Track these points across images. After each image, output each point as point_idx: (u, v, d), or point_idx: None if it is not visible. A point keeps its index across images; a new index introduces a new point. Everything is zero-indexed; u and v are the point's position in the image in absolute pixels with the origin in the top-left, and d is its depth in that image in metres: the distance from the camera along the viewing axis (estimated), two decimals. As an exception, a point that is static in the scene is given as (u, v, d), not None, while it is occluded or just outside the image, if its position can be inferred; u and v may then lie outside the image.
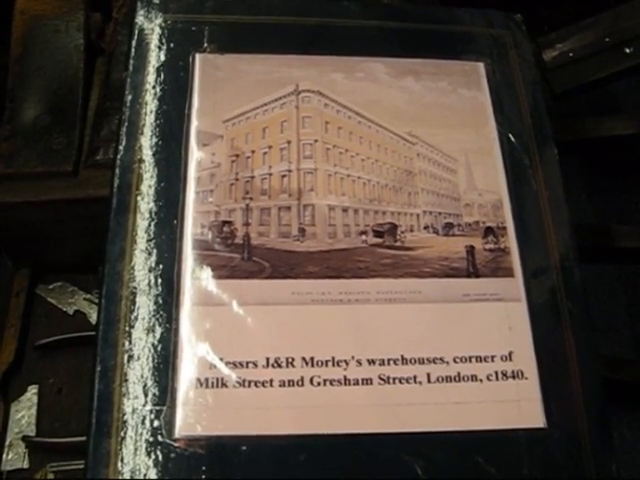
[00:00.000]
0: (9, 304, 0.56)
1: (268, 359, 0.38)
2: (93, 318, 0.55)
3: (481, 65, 0.50)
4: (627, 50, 0.81)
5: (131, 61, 0.47)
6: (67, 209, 0.52)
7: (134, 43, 0.47)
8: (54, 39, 0.58)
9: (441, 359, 0.40)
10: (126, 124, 0.44)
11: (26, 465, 0.50)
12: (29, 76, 0.56)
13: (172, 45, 0.47)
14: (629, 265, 1.03)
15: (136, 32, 0.48)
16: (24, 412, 0.51)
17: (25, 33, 0.58)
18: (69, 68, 0.57)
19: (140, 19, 0.49)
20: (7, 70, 0.57)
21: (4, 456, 0.50)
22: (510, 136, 0.47)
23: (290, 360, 0.38)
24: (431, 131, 0.47)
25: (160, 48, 0.47)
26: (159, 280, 0.40)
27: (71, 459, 0.50)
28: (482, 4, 0.55)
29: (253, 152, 0.44)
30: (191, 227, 0.42)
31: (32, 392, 0.52)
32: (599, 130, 0.87)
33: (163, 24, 0.48)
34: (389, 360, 0.39)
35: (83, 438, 0.48)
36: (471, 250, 0.43)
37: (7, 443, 0.50)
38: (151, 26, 0.48)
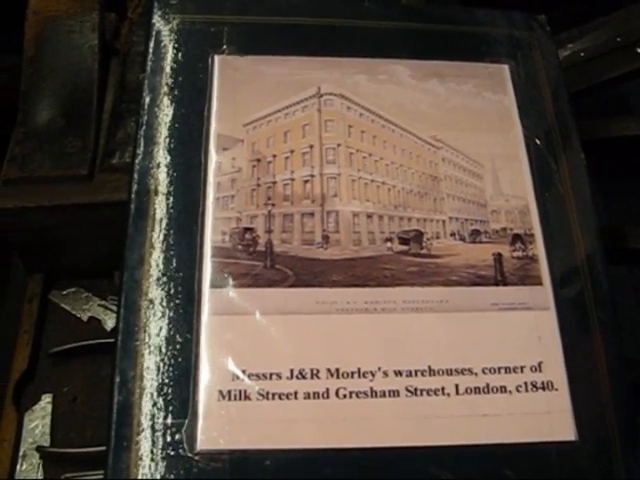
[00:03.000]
0: (22, 310, 0.55)
1: (292, 370, 0.38)
2: (108, 325, 0.55)
3: (506, 67, 0.49)
4: (639, 50, 0.80)
5: (148, 63, 0.46)
6: (82, 214, 0.51)
7: (151, 44, 0.47)
8: (68, 40, 0.58)
9: (469, 370, 0.39)
10: (144, 127, 0.44)
11: (40, 476, 0.49)
12: (43, 78, 0.56)
13: (190, 46, 0.47)
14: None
15: (153, 33, 0.47)
16: (38, 422, 0.51)
17: (38, 34, 0.57)
18: (83, 69, 0.56)
19: (157, 20, 0.48)
20: (20, 70, 0.57)
21: (18, 467, 0.49)
22: (536, 140, 0.47)
23: (315, 371, 0.38)
24: (456, 135, 0.47)
25: (178, 49, 0.47)
26: (179, 289, 0.39)
27: (87, 470, 0.49)
28: (496, 5, 0.55)
29: (275, 157, 0.44)
30: (211, 234, 0.41)
31: (46, 401, 0.51)
32: (611, 130, 0.88)
33: (181, 25, 0.48)
34: (416, 371, 0.39)
35: (99, 448, 0.48)
36: (499, 258, 0.43)
37: (21, 454, 0.49)
38: (168, 27, 0.48)
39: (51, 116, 0.54)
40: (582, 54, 0.82)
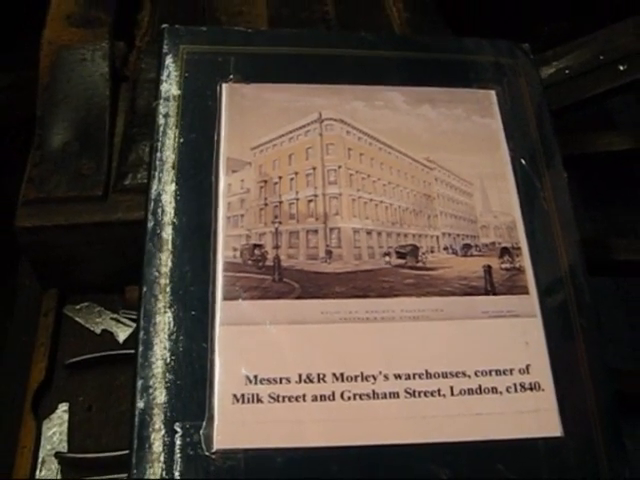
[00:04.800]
0: (38, 323, 0.57)
1: (300, 375, 0.40)
2: (120, 337, 0.56)
3: (493, 93, 0.51)
4: (621, 67, 0.83)
5: (161, 90, 0.48)
6: (97, 232, 0.53)
7: (162, 73, 0.49)
8: (80, 68, 0.60)
9: (463, 373, 0.41)
10: (158, 151, 0.46)
11: None
12: (57, 104, 0.58)
13: (199, 75, 0.49)
14: (626, 278, 1.04)
15: (164, 62, 0.50)
16: (55, 429, 0.52)
17: (52, 62, 0.60)
18: (96, 95, 0.59)
19: (167, 50, 0.50)
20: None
21: (37, 472, 0.50)
22: (522, 160, 0.49)
23: (321, 376, 0.40)
24: (448, 156, 0.49)
25: (188, 78, 0.49)
26: (194, 301, 0.42)
27: (103, 474, 0.50)
28: (485, 27, 0.57)
29: (280, 178, 0.46)
30: (223, 250, 0.43)
31: (63, 410, 0.53)
32: (596, 146, 0.89)
33: (190, 55, 0.50)
34: (414, 375, 0.41)
35: (114, 453, 0.51)
36: (488, 269, 0.45)
37: (40, 460, 0.51)
38: (178, 57, 0.50)
39: (66, 140, 0.56)
40: (567, 71, 0.84)
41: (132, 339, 0.56)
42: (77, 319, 0.58)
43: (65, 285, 0.58)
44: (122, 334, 0.57)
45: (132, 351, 0.52)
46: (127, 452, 0.45)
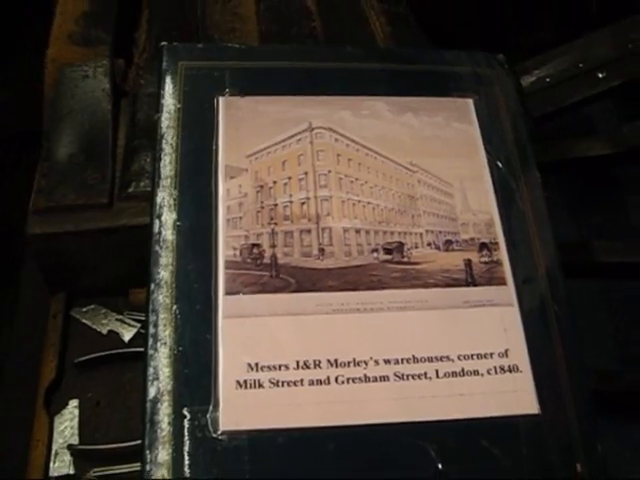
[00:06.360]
0: (47, 326, 0.59)
1: (298, 362, 0.42)
2: (125, 337, 0.59)
3: (470, 101, 0.54)
4: (600, 75, 0.85)
5: (162, 104, 0.51)
6: (103, 238, 0.56)
7: (163, 87, 0.51)
8: (83, 84, 0.62)
9: (447, 357, 0.44)
10: (161, 161, 0.48)
11: (72, 471, 0.52)
12: (62, 118, 0.60)
13: (197, 89, 0.51)
14: (609, 279, 1.06)
15: (164, 78, 0.52)
16: (67, 424, 0.54)
17: (57, 79, 0.62)
18: (98, 110, 0.61)
19: (166, 66, 0.52)
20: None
21: (51, 464, 0.52)
22: (498, 163, 0.51)
23: (317, 362, 0.43)
24: (429, 160, 0.51)
25: (187, 92, 0.51)
26: (198, 297, 0.44)
27: (113, 464, 0.52)
28: (467, 37, 0.60)
29: (275, 183, 0.49)
30: (224, 250, 0.45)
31: (73, 406, 0.55)
32: (577, 151, 0.91)
33: (188, 70, 0.52)
34: (402, 359, 0.43)
35: (123, 444, 0.53)
36: (469, 263, 0.48)
37: (53, 452, 0.53)
38: (177, 72, 0.52)
39: (72, 152, 0.59)
40: (547, 79, 0.86)
41: (137, 338, 0.59)
42: (84, 321, 0.60)
43: (72, 289, 0.61)
44: (127, 334, 0.59)
45: (137, 349, 0.56)
46: (135, 443, 0.49)
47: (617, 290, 1.05)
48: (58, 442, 0.54)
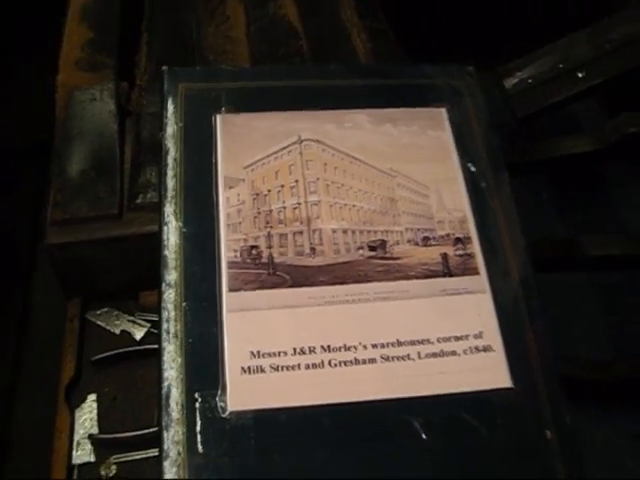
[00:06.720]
0: (65, 328, 0.63)
1: (295, 349, 0.46)
2: (137, 336, 0.63)
3: (444, 110, 0.57)
4: (580, 74, 0.88)
5: (165, 123, 0.55)
6: (115, 245, 0.59)
7: (166, 108, 0.55)
8: (91, 106, 0.66)
9: (427, 340, 0.47)
10: (166, 174, 0.52)
11: (93, 459, 0.56)
12: (72, 138, 0.64)
13: (196, 108, 0.55)
14: (597, 272, 1.05)
15: (166, 99, 0.56)
16: (86, 416, 0.58)
17: (67, 102, 0.66)
18: (106, 130, 0.65)
19: (168, 88, 0.57)
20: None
21: (74, 452, 0.57)
22: (470, 166, 0.55)
23: (312, 348, 0.46)
24: (407, 166, 0.54)
25: (187, 111, 0.55)
26: (205, 294, 0.47)
27: (130, 451, 0.56)
28: (448, 46, 0.64)
29: (269, 191, 0.52)
30: (226, 252, 0.49)
31: (91, 400, 0.59)
32: (561, 149, 0.93)
33: (187, 91, 0.56)
34: (388, 343, 0.46)
35: (140, 432, 0.58)
36: (445, 256, 0.51)
37: (75, 442, 0.57)
38: (177, 94, 0.56)
39: (83, 168, 0.63)
40: (530, 81, 0.88)
41: (147, 337, 0.63)
42: (98, 322, 0.64)
43: (87, 293, 0.65)
44: (138, 333, 0.63)
45: (148, 347, 0.61)
46: (150, 431, 0.53)
47: (604, 283, 1.09)
48: (79, 433, 0.57)
